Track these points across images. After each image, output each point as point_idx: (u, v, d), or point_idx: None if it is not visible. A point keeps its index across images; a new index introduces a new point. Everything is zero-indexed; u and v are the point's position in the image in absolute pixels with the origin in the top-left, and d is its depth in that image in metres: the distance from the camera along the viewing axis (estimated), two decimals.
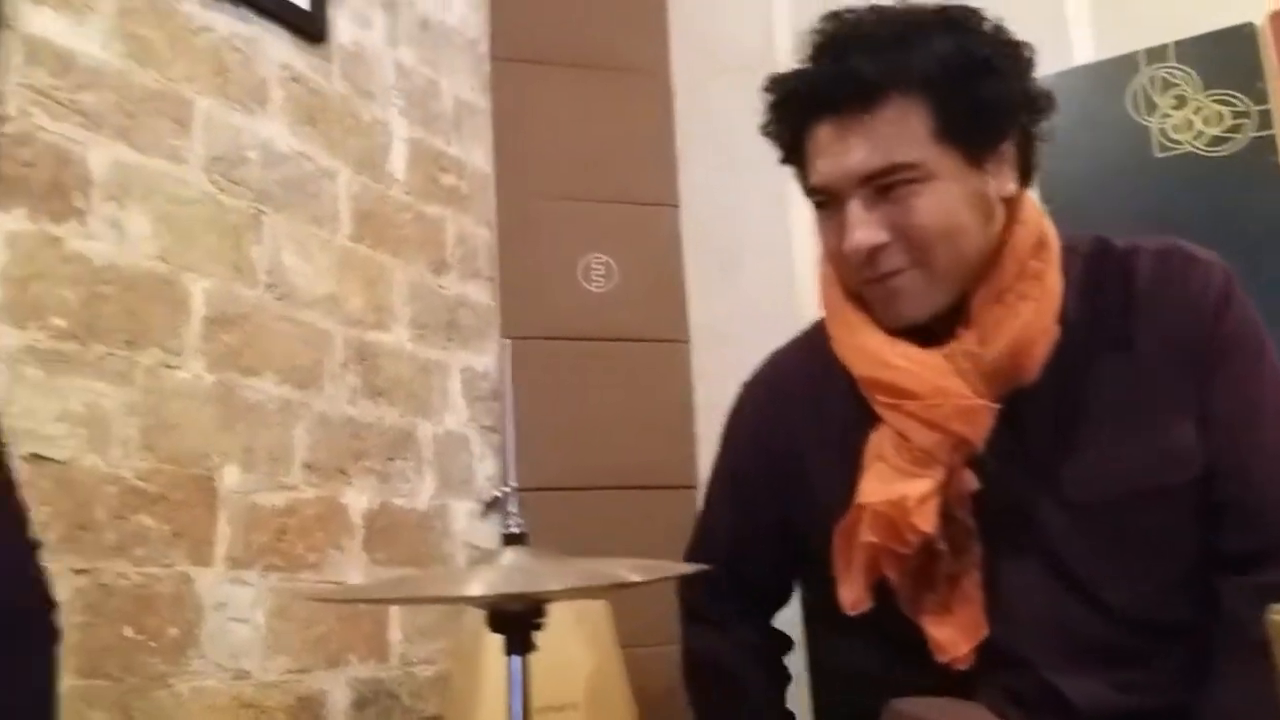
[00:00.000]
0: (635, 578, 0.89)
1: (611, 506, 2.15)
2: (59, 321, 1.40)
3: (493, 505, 1.01)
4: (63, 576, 1.34)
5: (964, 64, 0.97)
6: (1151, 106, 1.68)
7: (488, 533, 2.08)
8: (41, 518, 1.34)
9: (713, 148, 2.42)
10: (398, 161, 2.03)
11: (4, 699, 0.92)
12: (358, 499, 1.80)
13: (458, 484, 2.04)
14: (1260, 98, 1.61)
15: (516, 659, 0.91)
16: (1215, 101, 1.62)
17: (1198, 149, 1.62)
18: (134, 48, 1.56)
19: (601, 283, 2.32)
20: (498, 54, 2.35)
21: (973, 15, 1.02)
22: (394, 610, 1.82)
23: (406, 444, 1.94)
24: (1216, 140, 1.62)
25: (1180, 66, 1.66)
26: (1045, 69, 1.77)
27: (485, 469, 2.12)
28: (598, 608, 1.55)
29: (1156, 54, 1.69)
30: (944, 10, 1.02)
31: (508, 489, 1.01)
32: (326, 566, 1.71)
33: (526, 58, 2.37)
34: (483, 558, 0.98)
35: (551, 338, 2.26)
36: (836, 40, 1.02)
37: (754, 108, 2.31)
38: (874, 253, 0.98)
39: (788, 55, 2.28)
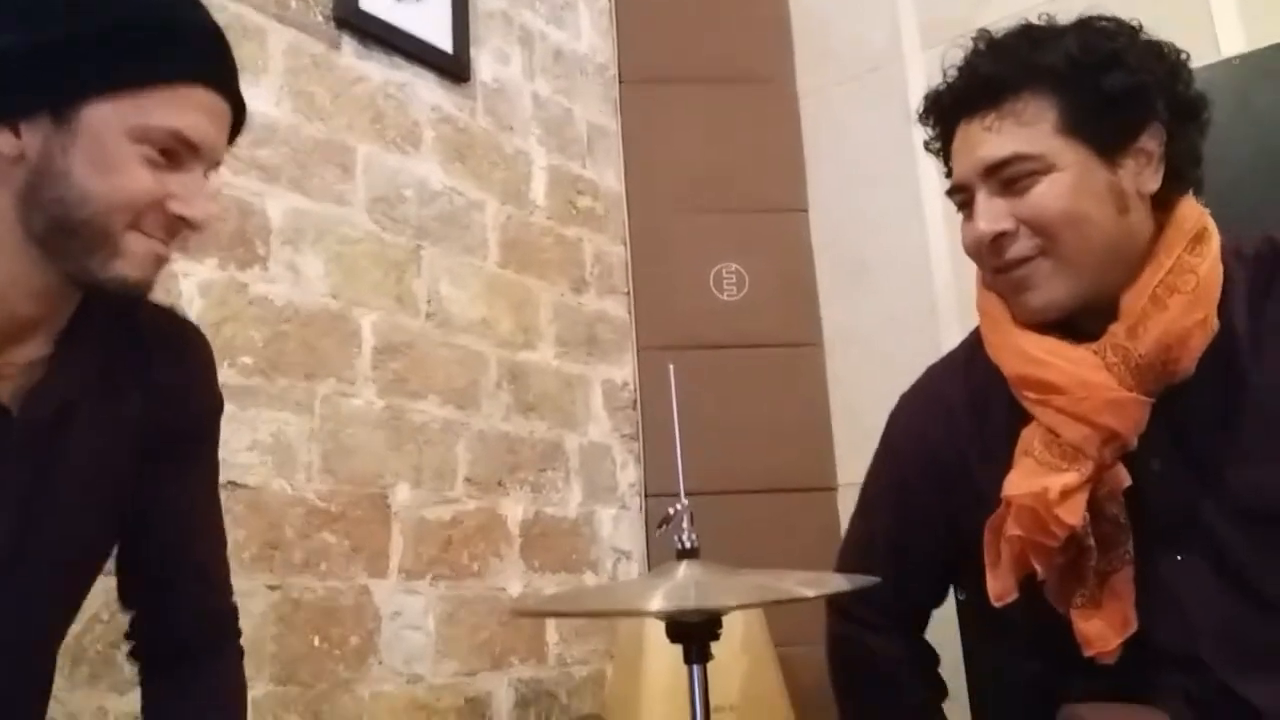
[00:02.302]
0: (809, 592, 0.95)
1: (752, 510, 2.21)
2: (247, 359, 1.55)
3: (666, 520, 1.08)
4: (258, 593, 1.49)
5: (1090, 58, 1.00)
6: None
7: (630, 536, 2.17)
8: (238, 539, 1.48)
9: (840, 153, 2.45)
10: (538, 189, 2.14)
11: (231, 682, 1.04)
12: (514, 509, 1.92)
13: (602, 491, 2.14)
14: None
15: (697, 667, 0.98)
16: None
17: None
18: (301, 103, 1.70)
19: (733, 291, 2.38)
20: (626, 77, 2.44)
21: (1107, 18, 1.04)
22: None
23: (555, 455, 2.04)
24: None
25: None
26: (1194, 62, 1.78)
27: (627, 476, 2.22)
28: (756, 619, 1.61)
29: None
30: (1080, 18, 1.05)
31: (681, 505, 1.08)
32: (488, 574, 1.83)
33: (652, 78, 2.45)
34: (661, 571, 1.05)
35: (686, 347, 2.33)
36: (974, 51, 1.07)
37: (880, 110, 2.37)
38: (999, 241, 1.02)
39: (915, 57, 2.35)
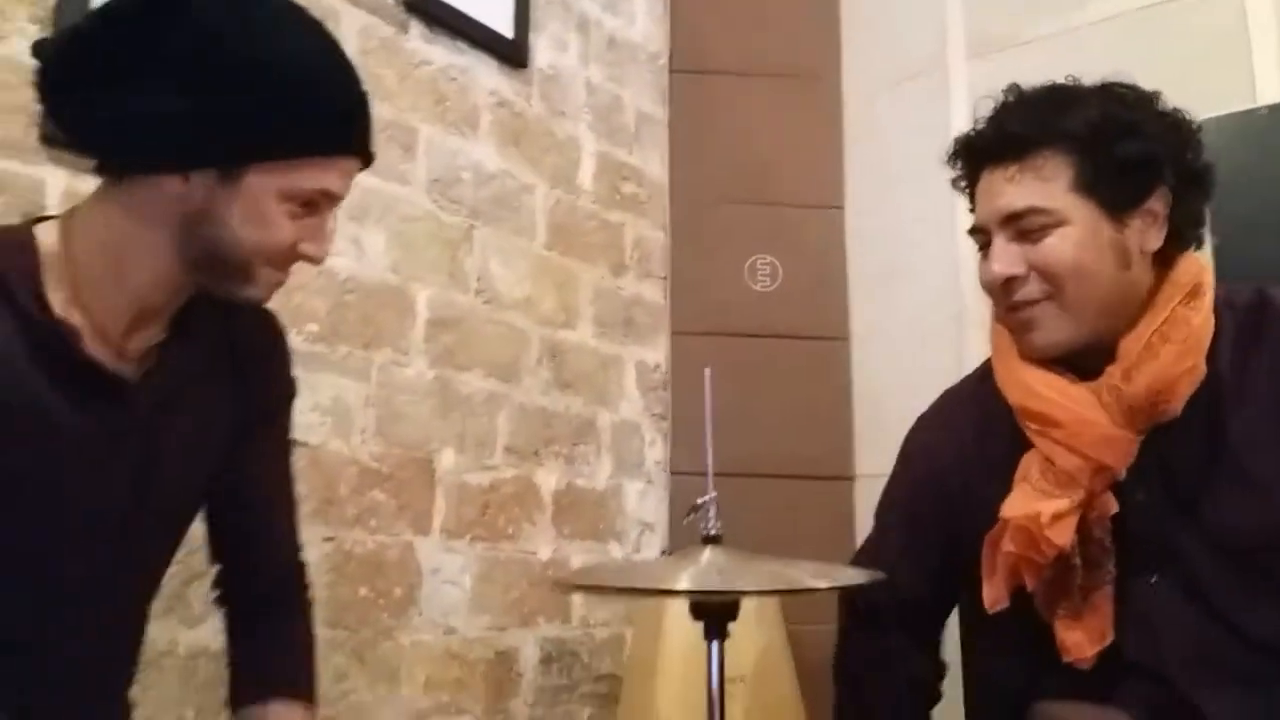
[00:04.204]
0: (821, 584, 1.06)
1: (771, 495, 2.31)
2: (313, 327, 1.66)
3: (694, 510, 1.19)
4: (314, 543, 1.61)
5: (1108, 126, 1.10)
6: None
7: (654, 510, 2.28)
8: (298, 493, 1.60)
9: (880, 153, 2.52)
10: (586, 174, 2.23)
11: (302, 635, 1.16)
12: (547, 479, 2.03)
13: (631, 467, 2.25)
14: None
15: (715, 643, 1.09)
16: None
17: None
18: (370, 84, 1.79)
19: (766, 282, 2.46)
20: (676, 66, 2.52)
21: (1129, 88, 1.13)
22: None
23: (588, 431, 2.15)
24: None
25: None
26: (1231, 107, 1.84)
27: (654, 454, 2.32)
28: (770, 599, 1.73)
29: None
30: (1103, 83, 1.13)
31: (709, 496, 1.19)
32: (521, 538, 1.95)
33: (703, 69, 2.53)
34: (687, 554, 1.15)
35: (718, 334, 2.43)
36: (1004, 105, 1.16)
37: (923, 116, 2.44)
38: (1010, 283, 1.12)
39: (959, 67, 2.41)
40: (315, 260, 0.98)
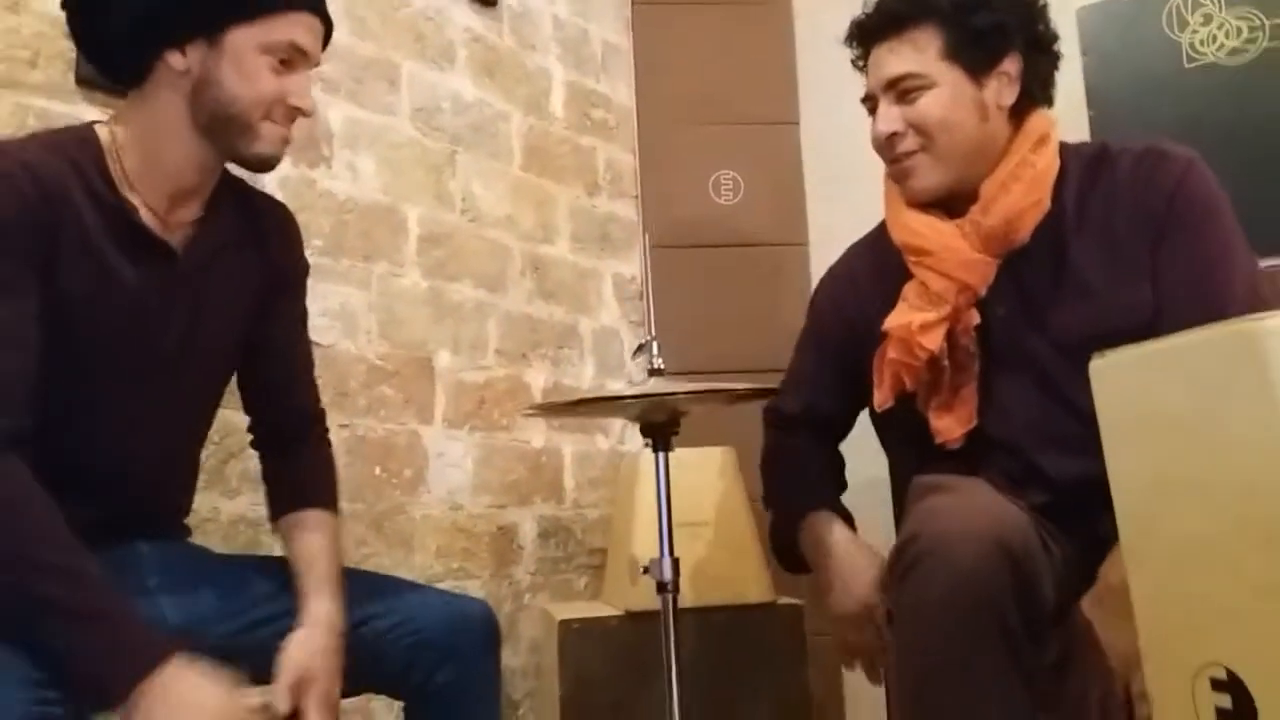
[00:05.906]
0: (741, 387, 1.31)
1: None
2: (317, 242, 1.88)
3: (640, 349, 1.44)
4: (331, 429, 1.83)
5: (965, 1, 1.32)
6: (1183, 24, 1.94)
7: None
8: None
9: (830, 68, 2.69)
10: (557, 102, 2.44)
11: (327, 459, 1.38)
12: (536, 378, 2.26)
13: (612, 368, 2.49)
14: (1273, 13, 1.90)
15: (661, 454, 1.33)
16: (1236, 18, 1.89)
17: (1219, 59, 1.89)
18: (355, 25, 2.01)
19: (730, 196, 2.68)
20: None
21: None
22: (569, 464, 2.29)
23: (571, 336, 2.38)
24: (1235, 51, 1.89)
25: None
26: None
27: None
28: (727, 455, 1.97)
29: None
30: None
31: (651, 336, 1.44)
32: (515, 429, 2.19)
33: None
34: (636, 384, 1.40)
35: (686, 246, 2.65)
36: None
37: None
38: (892, 139, 1.35)
39: None
40: (305, 113, 1.19)
